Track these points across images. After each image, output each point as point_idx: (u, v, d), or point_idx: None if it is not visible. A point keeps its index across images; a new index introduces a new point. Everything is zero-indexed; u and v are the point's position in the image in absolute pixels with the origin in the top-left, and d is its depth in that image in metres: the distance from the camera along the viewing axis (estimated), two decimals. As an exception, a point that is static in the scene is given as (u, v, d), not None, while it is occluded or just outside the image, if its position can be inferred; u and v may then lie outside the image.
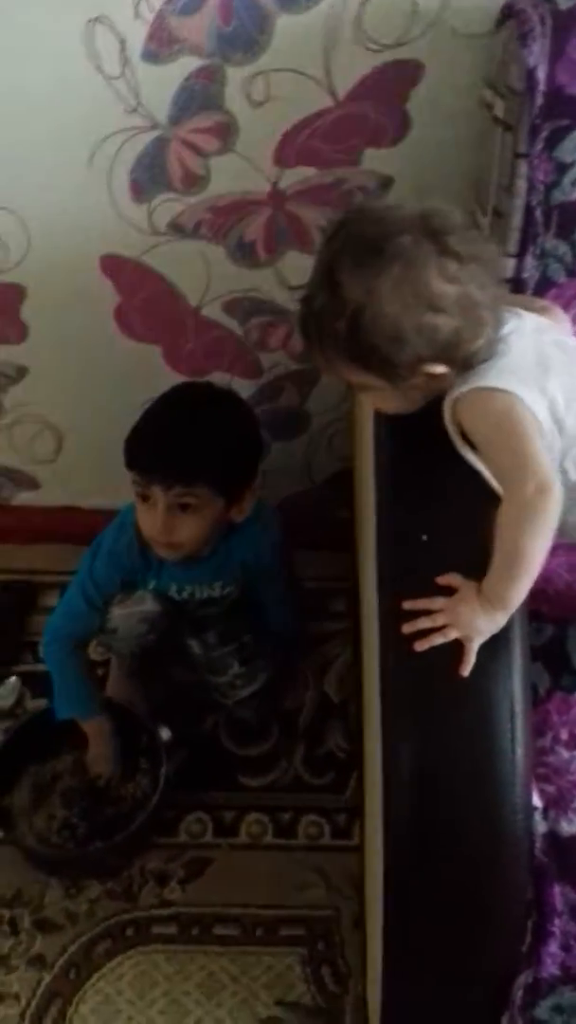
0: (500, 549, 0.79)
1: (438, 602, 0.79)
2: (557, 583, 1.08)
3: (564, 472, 0.86)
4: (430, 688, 0.78)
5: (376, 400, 0.88)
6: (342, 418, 1.42)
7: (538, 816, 0.87)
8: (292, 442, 1.47)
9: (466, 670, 0.77)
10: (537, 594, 1.06)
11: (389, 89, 1.07)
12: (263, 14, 1.02)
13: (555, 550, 1.12)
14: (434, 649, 0.77)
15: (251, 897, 1.27)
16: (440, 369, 0.81)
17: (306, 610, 1.51)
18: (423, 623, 0.78)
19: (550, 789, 0.89)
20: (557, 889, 0.83)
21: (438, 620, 0.78)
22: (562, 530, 0.84)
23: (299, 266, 1.23)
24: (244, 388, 1.39)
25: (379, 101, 1.08)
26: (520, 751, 0.78)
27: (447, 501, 0.85)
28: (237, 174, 1.15)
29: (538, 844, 0.85)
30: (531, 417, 0.81)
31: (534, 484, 0.78)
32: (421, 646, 0.78)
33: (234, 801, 1.36)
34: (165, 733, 1.34)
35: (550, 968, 0.81)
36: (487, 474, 0.84)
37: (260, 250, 1.23)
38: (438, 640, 0.77)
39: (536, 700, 0.96)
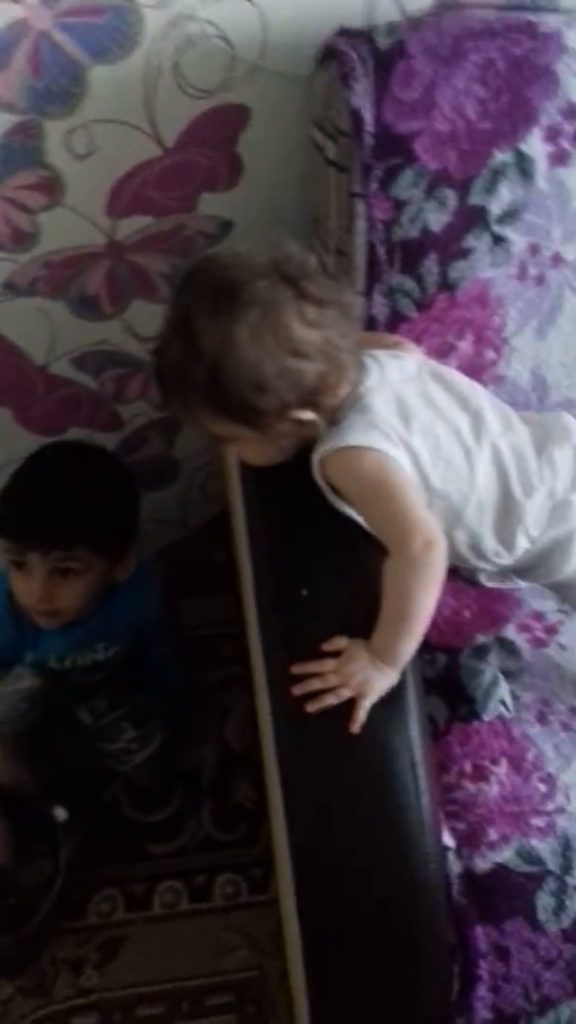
0: (389, 605, 0.78)
1: (328, 664, 0.77)
2: (444, 611, 1.08)
3: None
4: (327, 751, 0.76)
5: (244, 451, 0.86)
6: (213, 461, 1.39)
7: (452, 856, 0.86)
8: (164, 491, 1.43)
9: (356, 727, 0.75)
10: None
11: (217, 134, 1.05)
12: (75, 66, 0.98)
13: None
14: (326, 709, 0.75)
15: (173, 970, 1.22)
16: (307, 415, 0.80)
17: (196, 659, 1.47)
18: (314, 684, 0.76)
19: (461, 826, 0.89)
20: (479, 931, 0.83)
21: (330, 680, 0.76)
22: None
23: (146, 315, 1.20)
24: (107, 441, 1.34)
25: (209, 146, 1.06)
26: (425, 799, 0.77)
27: (323, 552, 0.84)
28: (69, 228, 1.10)
29: (455, 886, 0.85)
30: (403, 472, 0.80)
31: (421, 540, 0.77)
32: (313, 707, 0.76)
33: (143, 872, 1.31)
34: (61, 813, 1.27)
35: (482, 1013, 0.80)
36: (362, 521, 0.82)
37: (104, 303, 1.19)
38: (331, 700, 0.76)
39: (436, 734, 0.96)
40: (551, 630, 1.04)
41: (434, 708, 0.98)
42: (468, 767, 0.93)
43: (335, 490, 0.82)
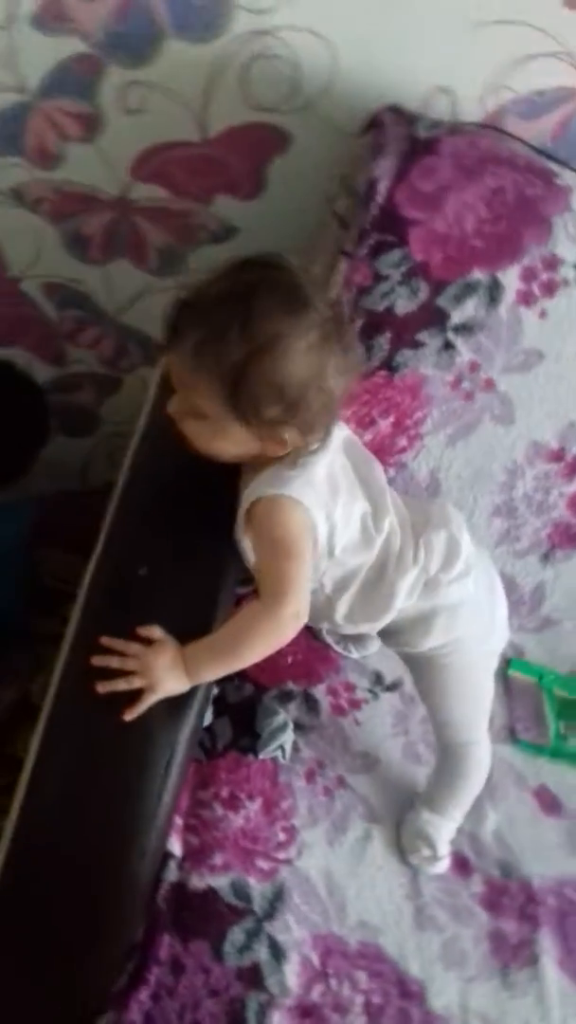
0: (226, 635, 0.81)
1: (134, 647, 0.79)
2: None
3: (321, 586, 0.88)
4: (98, 718, 0.78)
5: (202, 434, 0.83)
6: (129, 434, 1.41)
7: (173, 865, 0.88)
8: (75, 440, 1.45)
9: (132, 715, 0.77)
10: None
11: (255, 147, 1.11)
12: (156, 30, 1.03)
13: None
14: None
15: None
16: (289, 438, 0.80)
17: (40, 607, 1.47)
18: (113, 662, 0.78)
19: (194, 841, 0.91)
20: (166, 939, 0.84)
21: (128, 664, 0.78)
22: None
23: (126, 276, 1.23)
24: (42, 372, 1.36)
25: (243, 155, 1.11)
26: (166, 800, 0.80)
27: (183, 545, 0.86)
28: (91, 169, 1.14)
29: (162, 891, 0.87)
30: (311, 543, 0.83)
31: (293, 609, 0.80)
32: (103, 688, 0.78)
33: None
34: None
35: (134, 1015, 0.81)
36: (246, 553, 0.85)
37: (94, 248, 1.22)
38: (121, 686, 0.78)
39: (211, 753, 0.99)
40: (355, 704, 1.09)
41: (220, 729, 1.01)
42: (225, 792, 0.96)
43: (248, 521, 0.84)
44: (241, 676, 1.07)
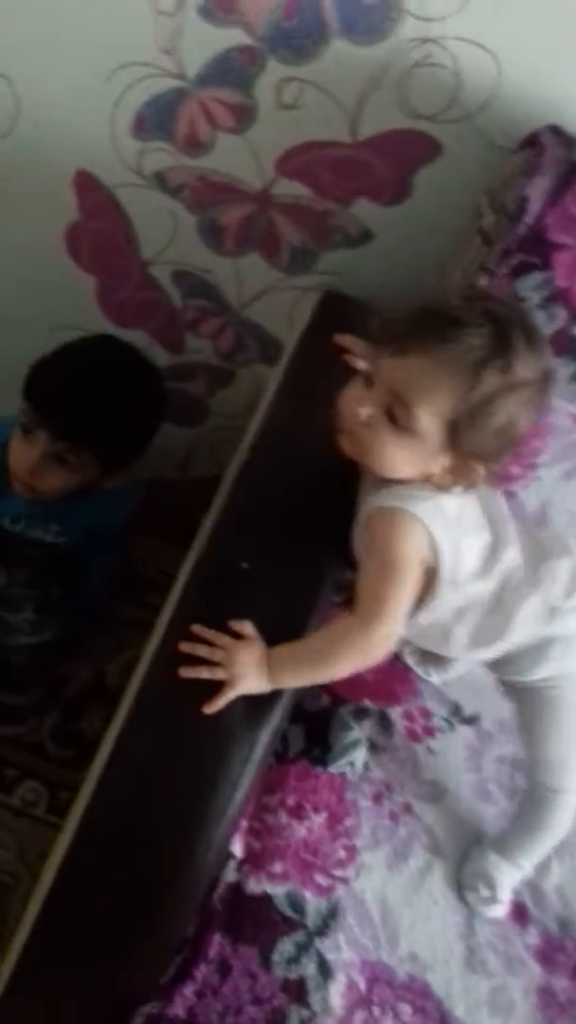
0: (314, 645, 0.80)
1: (224, 639, 0.79)
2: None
3: (439, 616, 0.86)
4: (182, 706, 0.78)
5: (393, 444, 0.79)
6: (235, 428, 1.42)
7: (232, 865, 0.88)
8: (182, 429, 1.46)
9: (212, 709, 0.77)
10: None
11: (405, 154, 1.09)
12: (324, 28, 1.03)
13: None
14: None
15: None
16: (480, 472, 0.80)
17: (125, 592, 1.49)
18: (201, 651, 0.78)
19: (256, 845, 0.90)
20: (217, 938, 0.84)
21: (215, 655, 0.78)
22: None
23: (257, 270, 1.23)
24: (160, 358, 1.37)
25: (391, 161, 1.10)
26: (238, 796, 0.79)
27: (288, 547, 0.85)
28: (237, 160, 1.15)
29: (219, 890, 0.86)
30: (420, 565, 0.81)
31: (385, 630, 0.79)
32: (186, 673, 0.77)
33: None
34: None
35: (177, 1008, 0.81)
36: (360, 559, 0.83)
37: (228, 239, 1.22)
38: (204, 674, 0.77)
39: (281, 759, 0.98)
40: (429, 731, 1.06)
41: (293, 736, 1.00)
42: (292, 800, 0.94)
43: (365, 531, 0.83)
44: (320, 687, 1.05)
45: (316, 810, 0.95)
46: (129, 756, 0.79)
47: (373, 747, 1.02)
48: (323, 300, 1.12)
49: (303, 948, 0.86)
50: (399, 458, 0.79)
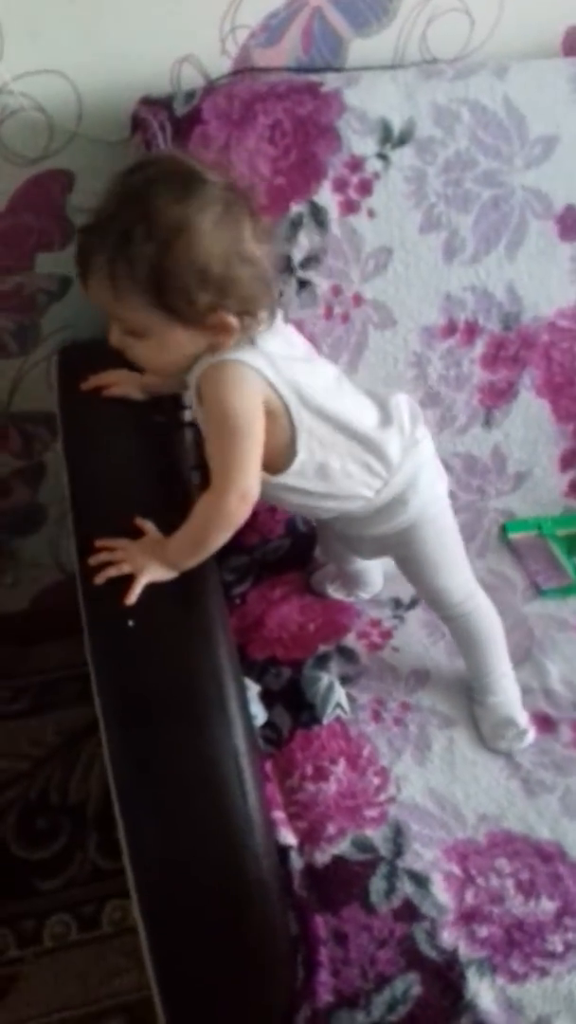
0: (189, 527, 0.85)
1: (122, 542, 0.84)
2: (290, 627, 1.16)
3: (311, 453, 0.89)
4: (154, 761, 0.80)
5: (146, 351, 0.84)
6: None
7: (294, 854, 0.92)
8: (33, 537, 1.47)
9: (131, 599, 0.81)
10: (272, 642, 1.14)
11: (45, 198, 1.12)
12: None
13: (288, 596, 1.21)
14: (164, 729, 0.79)
15: (66, 1000, 1.25)
16: (232, 320, 0.80)
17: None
18: (103, 556, 0.83)
19: (302, 825, 0.95)
20: (319, 919, 0.88)
21: (117, 555, 0.83)
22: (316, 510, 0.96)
23: (-2, 368, 1.25)
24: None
25: (38, 210, 1.13)
26: (252, 799, 0.82)
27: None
28: None
29: (296, 880, 0.90)
30: (261, 418, 0.84)
31: (237, 494, 0.83)
32: (99, 579, 0.82)
33: (33, 908, 1.33)
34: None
35: (324, 997, 0.85)
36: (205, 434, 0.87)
37: None
38: (112, 572, 0.82)
39: (281, 742, 1.02)
40: (386, 635, 1.13)
41: (279, 718, 1.04)
42: (309, 769, 0.99)
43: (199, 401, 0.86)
44: (275, 663, 1.10)
45: (334, 762, 1.00)
46: (145, 844, 0.80)
47: (347, 680, 1.08)
48: (61, 359, 1.14)
49: (391, 876, 0.91)
50: (165, 356, 0.84)
